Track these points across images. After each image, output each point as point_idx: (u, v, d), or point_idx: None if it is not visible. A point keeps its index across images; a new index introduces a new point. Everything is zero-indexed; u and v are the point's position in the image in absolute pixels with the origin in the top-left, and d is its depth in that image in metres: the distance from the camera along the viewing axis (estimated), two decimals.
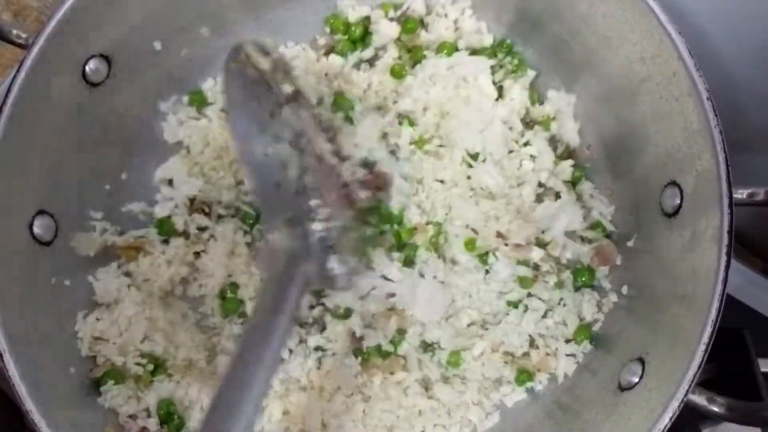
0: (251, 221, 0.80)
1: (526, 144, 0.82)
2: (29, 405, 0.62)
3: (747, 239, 0.94)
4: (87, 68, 0.74)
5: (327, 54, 0.85)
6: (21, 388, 0.63)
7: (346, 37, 0.85)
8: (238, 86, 0.63)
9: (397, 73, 0.83)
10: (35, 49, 0.69)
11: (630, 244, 0.76)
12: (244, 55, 0.63)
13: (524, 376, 0.77)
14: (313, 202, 0.60)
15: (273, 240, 0.61)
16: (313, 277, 0.61)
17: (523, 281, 0.78)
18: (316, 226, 0.60)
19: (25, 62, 0.68)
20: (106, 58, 0.76)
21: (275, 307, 0.58)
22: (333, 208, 0.61)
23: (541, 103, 0.84)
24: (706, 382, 0.60)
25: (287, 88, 0.61)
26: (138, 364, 0.73)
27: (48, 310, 0.71)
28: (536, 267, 0.79)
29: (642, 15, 0.68)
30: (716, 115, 0.63)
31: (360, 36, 0.84)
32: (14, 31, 0.71)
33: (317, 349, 0.78)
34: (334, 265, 0.60)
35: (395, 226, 0.77)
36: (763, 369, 0.76)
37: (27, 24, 0.94)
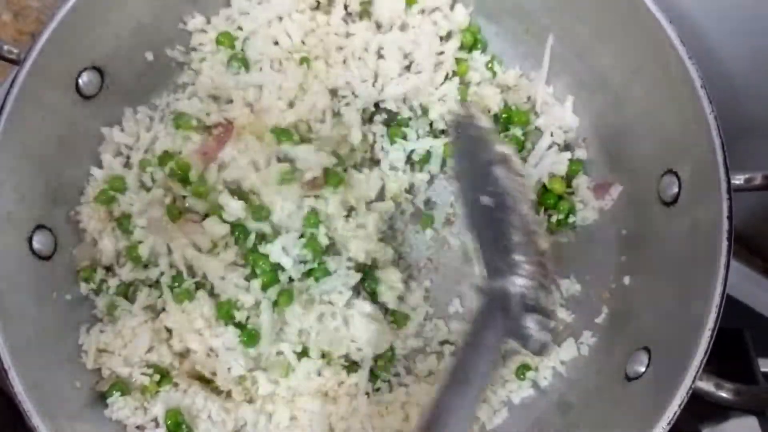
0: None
1: None
2: (36, 421, 0.62)
3: (746, 239, 0.94)
4: (80, 81, 0.74)
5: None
6: (27, 405, 0.62)
7: None
8: (462, 138, 0.67)
9: None
10: (27, 65, 0.69)
11: (627, 233, 0.77)
12: (468, 113, 0.67)
13: (522, 369, 0.78)
14: (518, 257, 0.61)
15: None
16: (507, 330, 0.61)
17: None
18: (519, 281, 0.61)
19: (18, 78, 0.68)
20: (99, 70, 0.76)
21: (474, 365, 0.59)
22: (537, 269, 0.62)
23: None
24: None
25: (500, 149, 0.64)
26: (144, 374, 0.73)
27: (50, 325, 0.71)
28: None
29: (632, 6, 0.68)
30: (711, 102, 0.64)
31: None
32: (5, 47, 0.71)
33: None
34: (531, 324, 0.61)
35: None
36: (763, 369, 0.76)
37: (27, 24, 0.94)
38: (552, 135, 0.82)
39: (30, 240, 0.70)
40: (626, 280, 0.76)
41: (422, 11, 0.82)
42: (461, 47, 0.83)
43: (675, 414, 0.59)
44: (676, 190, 0.69)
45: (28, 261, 0.70)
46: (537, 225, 0.64)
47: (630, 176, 0.77)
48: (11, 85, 0.68)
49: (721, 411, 0.72)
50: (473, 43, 0.83)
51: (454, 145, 0.71)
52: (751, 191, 0.65)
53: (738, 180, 0.64)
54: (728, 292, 0.60)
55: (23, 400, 0.62)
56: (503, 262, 0.62)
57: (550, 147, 0.81)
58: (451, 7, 0.83)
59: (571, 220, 0.80)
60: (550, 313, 0.62)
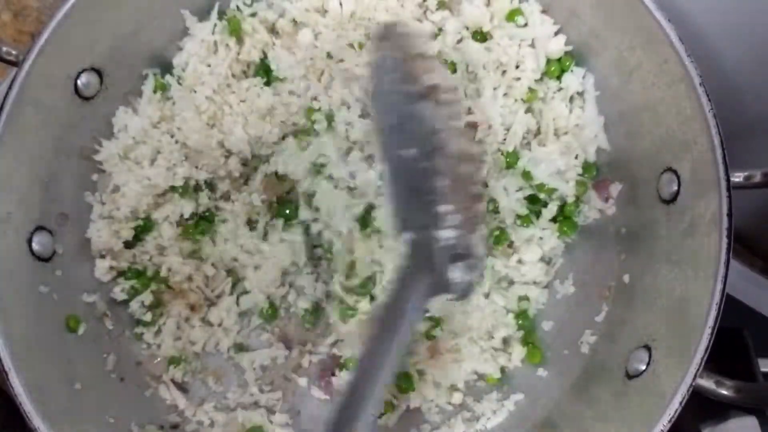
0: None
1: None
2: (36, 422, 0.62)
3: (746, 239, 0.94)
4: (79, 82, 0.74)
5: None
6: (27, 406, 0.62)
7: None
8: (384, 72, 0.59)
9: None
10: (26, 66, 0.69)
11: (627, 231, 0.77)
12: (393, 36, 0.59)
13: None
14: (442, 208, 0.57)
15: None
16: (431, 290, 0.59)
17: None
18: (445, 233, 0.57)
19: (17, 79, 0.68)
20: (98, 72, 0.76)
21: (391, 327, 0.57)
22: (464, 215, 0.57)
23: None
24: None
25: (427, 80, 0.57)
26: None
27: (51, 327, 0.71)
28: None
29: (630, 4, 0.68)
30: (709, 100, 0.64)
31: None
32: (4, 48, 0.71)
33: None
34: (458, 273, 0.58)
35: None
36: (763, 369, 0.76)
37: (27, 24, 0.94)
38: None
39: (30, 241, 0.70)
40: (626, 278, 0.76)
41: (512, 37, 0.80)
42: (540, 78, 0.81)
43: (676, 411, 0.59)
44: (675, 188, 0.69)
45: (28, 262, 0.70)
46: (470, 162, 0.59)
47: (629, 174, 0.77)
48: (10, 87, 0.68)
49: (722, 411, 0.72)
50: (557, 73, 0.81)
51: (372, 80, 0.61)
52: (751, 189, 0.65)
53: (737, 177, 0.64)
54: (728, 291, 0.60)
55: (23, 402, 0.62)
56: (428, 216, 0.57)
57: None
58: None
59: (575, 219, 0.80)
60: (476, 252, 0.58)
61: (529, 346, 0.79)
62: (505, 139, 0.78)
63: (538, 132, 0.81)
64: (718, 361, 0.60)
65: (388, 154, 0.60)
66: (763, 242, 0.94)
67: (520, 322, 0.79)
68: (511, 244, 0.79)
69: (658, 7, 0.66)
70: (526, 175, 0.78)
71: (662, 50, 0.67)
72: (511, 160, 0.78)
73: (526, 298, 0.79)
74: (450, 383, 0.79)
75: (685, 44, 0.65)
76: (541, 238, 0.79)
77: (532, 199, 0.79)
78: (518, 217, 0.79)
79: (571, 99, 0.80)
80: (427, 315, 0.79)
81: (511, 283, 0.80)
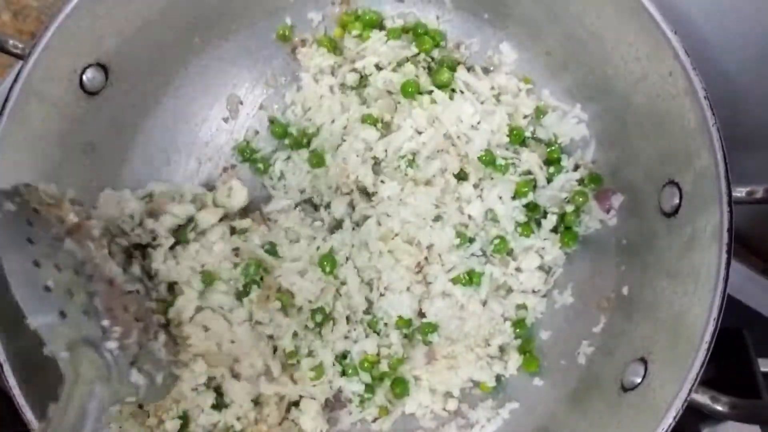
0: None
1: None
2: (29, 416, 0.62)
3: (746, 239, 0.94)
4: (84, 77, 0.74)
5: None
6: (21, 399, 0.63)
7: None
8: (11, 227, 0.59)
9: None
10: (32, 59, 0.69)
11: (627, 243, 0.77)
12: (26, 191, 0.62)
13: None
14: (105, 323, 0.62)
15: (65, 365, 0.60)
16: (113, 395, 0.60)
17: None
18: (111, 345, 0.61)
19: (22, 73, 0.69)
20: (103, 67, 0.76)
21: None
22: (125, 326, 0.63)
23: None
24: (706, 381, 0.60)
25: (71, 219, 0.64)
26: None
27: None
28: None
29: (636, 15, 0.68)
30: (713, 114, 0.63)
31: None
32: (11, 41, 0.71)
33: None
34: (137, 378, 0.62)
35: None
36: (763, 369, 0.76)
37: (27, 24, 0.94)
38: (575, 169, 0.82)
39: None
40: (625, 290, 0.76)
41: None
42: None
43: (670, 426, 0.59)
44: (677, 201, 0.68)
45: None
46: (127, 283, 0.67)
47: (631, 186, 0.76)
48: (15, 80, 0.68)
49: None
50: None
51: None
52: (752, 204, 0.64)
53: (739, 193, 0.64)
54: (728, 292, 0.60)
55: (17, 395, 0.62)
56: (94, 330, 0.61)
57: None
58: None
59: (576, 229, 0.80)
60: (154, 357, 0.65)
61: (526, 355, 0.79)
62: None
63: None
64: (717, 361, 0.60)
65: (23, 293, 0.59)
66: (763, 242, 0.94)
67: (517, 330, 0.79)
68: (510, 252, 0.79)
69: (664, 18, 0.66)
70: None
71: (667, 62, 0.66)
72: (488, 158, 0.79)
73: (524, 306, 0.79)
74: (445, 390, 0.79)
75: (691, 56, 0.65)
76: (542, 248, 0.79)
77: (530, 207, 0.79)
78: (518, 225, 0.79)
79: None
80: (425, 320, 0.79)
81: (510, 291, 0.80)
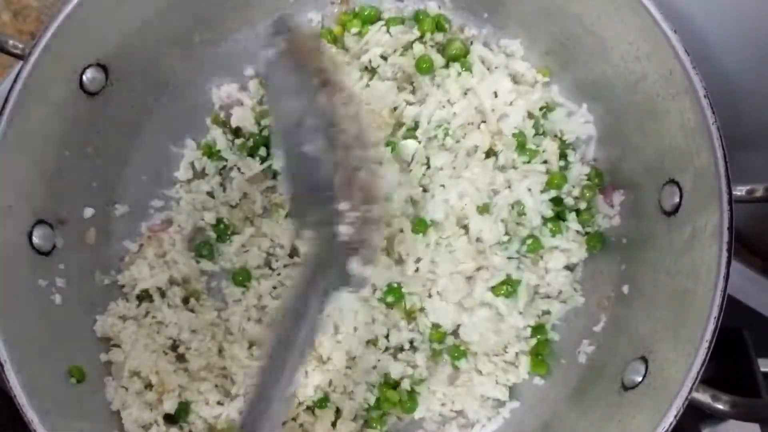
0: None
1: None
2: (31, 415, 0.62)
3: (746, 239, 0.94)
4: (84, 78, 0.74)
5: None
6: (22, 399, 0.62)
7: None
8: (281, 69, 0.59)
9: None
10: (32, 60, 0.69)
11: (627, 242, 0.77)
12: (289, 31, 0.59)
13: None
14: (341, 206, 0.57)
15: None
16: (334, 283, 0.60)
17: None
18: (343, 230, 0.58)
19: (22, 73, 0.68)
20: (104, 68, 0.76)
21: (298, 318, 0.58)
22: (362, 213, 0.58)
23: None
24: (706, 381, 0.60)
25: (329, 68, 0.59)
26: None
27: (48, 320, 0.71)
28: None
29: (636, 14, 0.68)
30: (713, 112, 0.63)
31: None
32: (11, 42, 0.71)
33: None
34: (355, 266, 0.58)
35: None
36: (763, 369, 0.76)
37: (27, 23, 0.94)
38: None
39: (30, 235, 0.70)
40: (625, 289, 0.76)
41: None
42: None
43: (671, 425, 0.59)
44: (677, 200, 0.68)
45: (28, 255, 0.70)
46: (366, 150, 0.59)
47: (632, 184, 0.76)
48: (15, 80, 0.68)
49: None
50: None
51: (269, 78, 0.61)
52: (753, 203, 0.64)
53: (740, 191, 0.64)
54: (728, 291, 0.60)
55: (18, 395, 0.62)
56: (325, 212, 0.58)
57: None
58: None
59: (595, 228, 0.79)
60: (371, 244, 0.59)
61: (538, 357, 0.78)
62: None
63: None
64: (717, 361, 0.60)
65: (287, 151, 0.61)
66: (763, 242, 0.94)
67: (538, 337, 0.78)
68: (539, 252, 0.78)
69: (664, 17, 0.66)
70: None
71: (668, 61, 0.66)
72: (521, 139, 0.78)
73: (548, 312, 0.79)
74: (460, 407, 0.78)
75: (691, 55, 0.65)
76: (568, 249, 0.78)
77: (556, 201, 0.78)
78: (546, 221, 0.78)
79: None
80: (456, 341, 0.78)
81: (536, 293, 0.79)
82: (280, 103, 0.60)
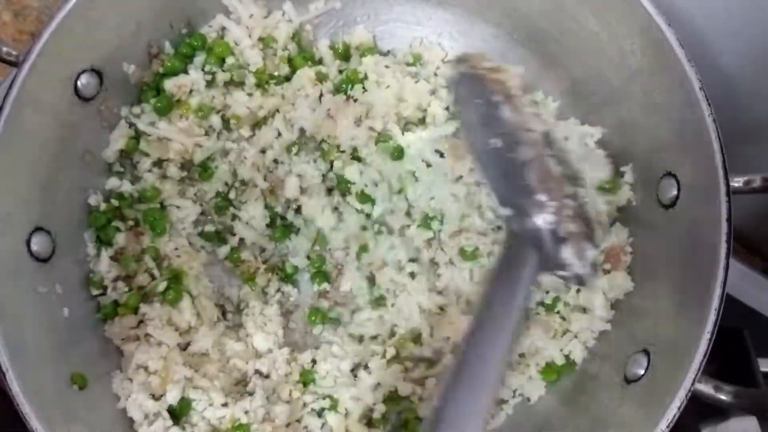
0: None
1: None
2: (34, 424, 0.62)
3: (746, 239, 0.94)
4: (79, 83, 0.74)
5: None
6: (25, 407, 0.62)
7: None
8: (464, 84, 0.65)
9: None
10: (26, 67, 0.68)
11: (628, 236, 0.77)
12: (469, 58, 0.65)
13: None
14: (540, 197, 0.58)
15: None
16: (541, 265, 0.59)
17: None
18: (548, 218, 0.58)
19: (17, 80, 0.68)
20: (98, 73, 0.76)
21: (506, 301, 0.57)
22: (559, 203, 0.59)
23: None
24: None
25: (513, 83, 0.62)
26: None
27: (49, 327, 0.71)
28: None
29: (631, 9, 0.68)
30: (709, 105, 0.64)
31: None
32: (4, 49, 0.71)
33: None
34: (568, 254, 0.58)
35: None
36: (763, 369, 0.77)
37: (27, 24, 0.94)
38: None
39: (28, 242, 0.70)
40: None
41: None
42: None
43: (674, 416, 0.60)
44: (675, 192, 0.69)
45: (27, 263, 0.70)
46: (553, 146, 0.61)
47: (629, 178, 0.77)
48: (10, 87, 0.68)
49: (721, 411, 0.72)
50: None
51: (454, 91, 0.67)
52: (750, 194, 0.65)
53: (737, 183, 0.64)
54: (728, 291, 0.60)
55: (21, 403, 0.62)
56: (526, 202, 0.59)
57: None
58: None
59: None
60: (588, 237, 0.59)
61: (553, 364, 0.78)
62: None
63: None
64: (718, 361, 0.60)
65: (479, 146, 0.64)
66: (763, 242, 0.94)
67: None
68: None
69: (658, 11, 0.66)
70: None
71: (663, 54, 0.67)
72: None
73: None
74: None
75: (685, 48, 0.65)
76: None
77: None
78: None
79: None
80: None
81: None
82: (465, 108, 0.65)
